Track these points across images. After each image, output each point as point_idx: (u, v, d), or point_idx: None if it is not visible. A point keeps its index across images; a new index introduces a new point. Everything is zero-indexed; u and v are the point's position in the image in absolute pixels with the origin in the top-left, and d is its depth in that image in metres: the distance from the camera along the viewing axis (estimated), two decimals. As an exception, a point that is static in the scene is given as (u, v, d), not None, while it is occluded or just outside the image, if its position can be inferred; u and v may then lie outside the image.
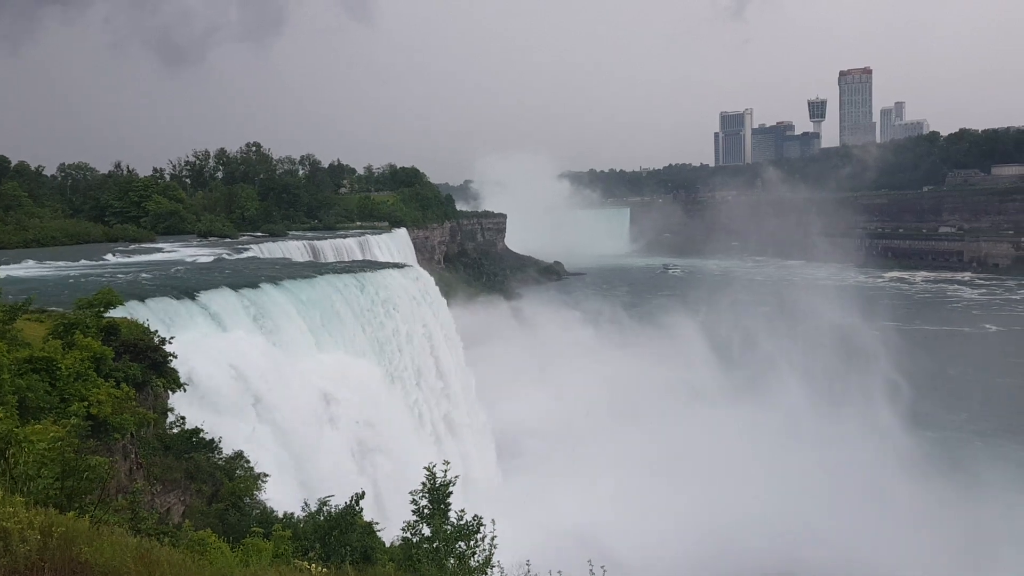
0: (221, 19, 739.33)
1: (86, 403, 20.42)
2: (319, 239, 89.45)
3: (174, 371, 27.71)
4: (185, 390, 28.52)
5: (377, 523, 22.19)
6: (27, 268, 54.96)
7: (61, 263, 58.41)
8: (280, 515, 23.15)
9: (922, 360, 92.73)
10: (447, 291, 76.52)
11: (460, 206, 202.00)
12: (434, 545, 15.68)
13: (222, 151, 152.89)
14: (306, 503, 21.99)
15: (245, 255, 69.91)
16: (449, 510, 16.14)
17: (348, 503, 20.37)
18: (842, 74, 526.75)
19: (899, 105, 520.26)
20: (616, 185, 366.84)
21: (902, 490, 56.93)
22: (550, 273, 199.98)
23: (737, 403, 76.10)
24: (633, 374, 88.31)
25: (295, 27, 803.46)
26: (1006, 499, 54.10)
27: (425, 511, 16.22)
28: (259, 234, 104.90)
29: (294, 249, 78.30)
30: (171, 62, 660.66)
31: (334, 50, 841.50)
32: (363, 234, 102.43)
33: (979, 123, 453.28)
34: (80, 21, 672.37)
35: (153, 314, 32.94)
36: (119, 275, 48.66)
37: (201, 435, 27.39)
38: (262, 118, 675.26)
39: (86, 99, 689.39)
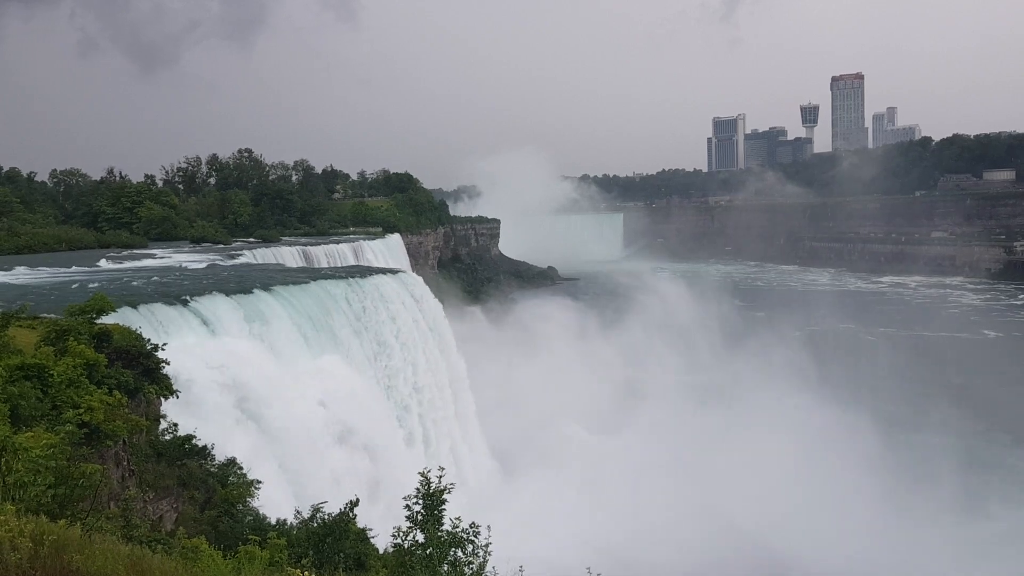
0: (199, 15, 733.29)
1: (79, 410, 20.34)
2: (312, 245, 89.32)
3: (166, 377, 27.61)
4: (178, 396, 28.42)
5: (371, 529, 22.16)
6: (19, 275, 54.73)
7: (53, 269, 58.18)
8: (273, 522, 23.08)
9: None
10: (441, 296, 76.31)
11: (453, 211, 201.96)
12: (427, 552, 15.64)
13: (214, 157, 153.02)
14: (298, 511, 21.94)
15: (238, 261, 69.78)
16: (444, 516, 16.09)
17: (342, 510, 20.35)
18: (834, 79, 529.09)
19: (891, 110, 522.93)
20: (610, 190, 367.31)
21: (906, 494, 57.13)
22: (544, 278, 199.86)
23: (736, 408, 76.20)
24: (632, 378, 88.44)
25: (275, 27, 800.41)
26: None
27: (419, 516, 16.17)
28: (252, 240, 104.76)
29: (287, 255, 78.19)
30: (148, 61, 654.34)
31: (319, 52, 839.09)
32: (357, 240, 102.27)
33: (971, 128, 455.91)
34: (45, 17, 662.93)
35: (145, 320, 32.85)
36: (111, 281, 48.49)
37: (193, 442, 27.30)
38: (251, 122, 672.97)
39: (66, 103, 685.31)
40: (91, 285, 45.36)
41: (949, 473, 57.99)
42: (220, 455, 27.94)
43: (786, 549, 49.88)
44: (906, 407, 75.79)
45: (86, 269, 59.99)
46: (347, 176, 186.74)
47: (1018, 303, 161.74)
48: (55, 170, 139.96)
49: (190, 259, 69.30)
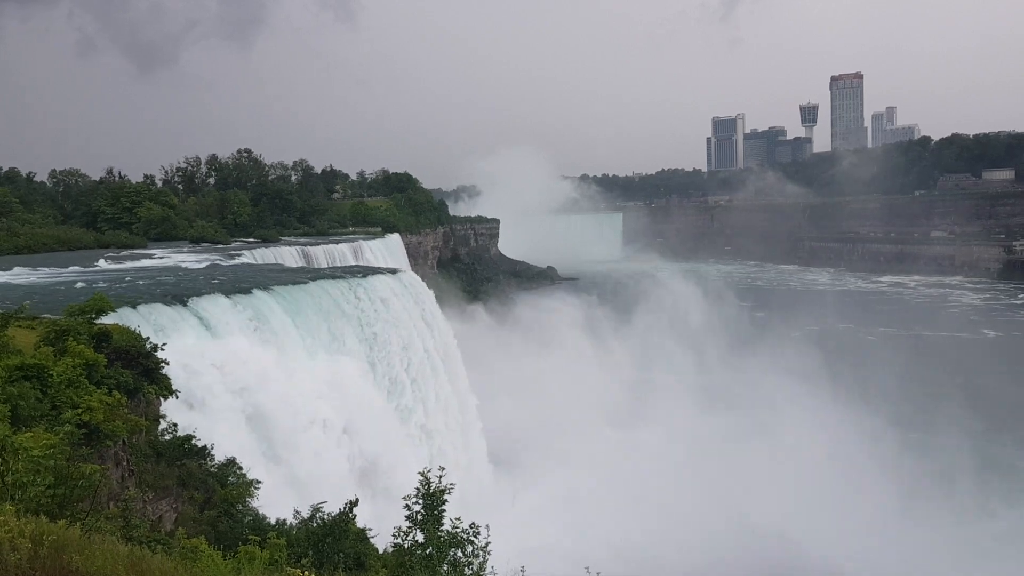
0: (197, 15, 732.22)
1: (78, 410, 20.33)
2: (312, 244, 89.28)
3: (166, 378, 27.60)
4: (177, 397, 28.41)
5: (370, 529, 22.14)
6: (17, 275, 54.65)
7: (52, 270, 58.09)
8: (272, 522, 23.07)
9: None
10: (441, 296, 76.26)
11: (452, 211, 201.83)
12: (427, 551, 15.62)
13: (214, 157, 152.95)
14: (297, 511, 21.92)
15: (238, 261, 69.69)
16: (443, 516, 16.07)
17: (341, 510, 20.34)
18: (833, 79, 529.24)
19: (890, 110, 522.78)
20: (609, 190, 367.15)
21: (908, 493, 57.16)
22: (543, 278, 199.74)
23: (728, 408, 76.20)
24: (632, 379, 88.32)
25: (274, 27, 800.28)
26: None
27: (418, 516, 16.15)
28: (252, 240, 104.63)
29: (287, 255, 78.11)
30: (146, 61, 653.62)
31: (318, 52, 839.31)
32: (356, 239, 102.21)
33: (970, 128, 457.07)
34: (43, 17, 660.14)
35: (145, 320, 32.81)
36: (110, 281, 48.44)
37: (193, 442, 27.29)
38: (250, 122, 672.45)
39: (65, 103, 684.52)
40: (96, 285, 45.30)
41: (952, 472, 58.07)
42: (219, 455, 27.93)
43: (792, 547, 49.87)
44: (908, 406, 75.73)
45: (85, 269, 59.89)
46: (346, 176, 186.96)
47: (1018, 303, 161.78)
48: (54, 170, 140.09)
49: (189, 259, 69.22)
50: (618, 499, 58.07)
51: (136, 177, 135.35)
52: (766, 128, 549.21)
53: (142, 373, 26.61)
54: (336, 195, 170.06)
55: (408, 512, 16.15)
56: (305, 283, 49.30)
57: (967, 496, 55.65)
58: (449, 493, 16.22)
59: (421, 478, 16.29)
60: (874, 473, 59.75)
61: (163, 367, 27.45)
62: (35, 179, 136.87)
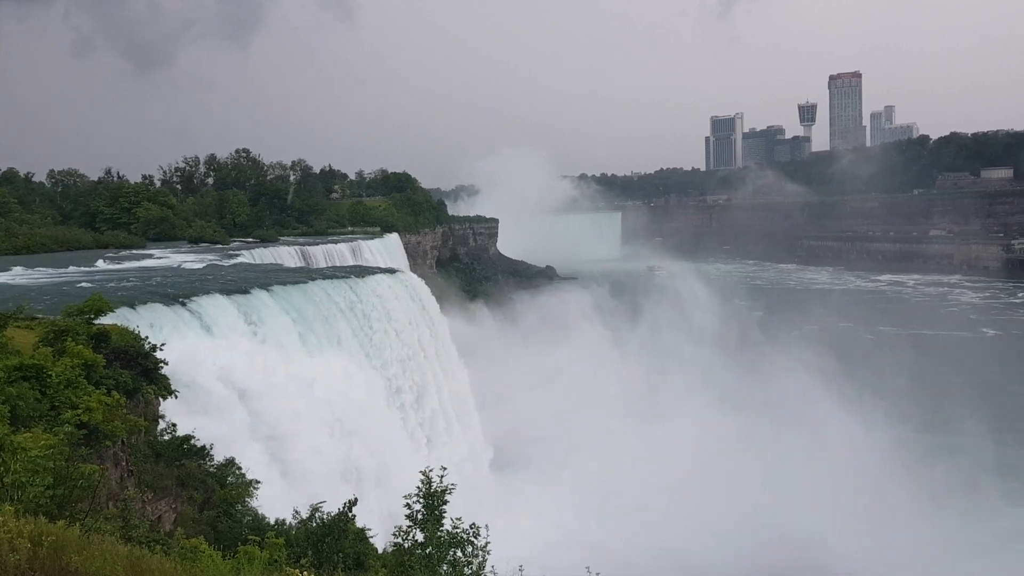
0: (195, 14, 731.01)
1: (77, 411, 20.30)
2: (310, 244, 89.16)
3: (165, 378, 27.58)
4: (176, 397, 28.38)
5: (369, 529, 22.13)
6: (16, 275, 54.56)
7: (50, 270, 57.99)
8: (272, 522, 23.05)
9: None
10: (440, 296, 76.26)
11: (451, 211, 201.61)
12: (427, 551, 15.59)
13: (212, 157, 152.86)
14: (296, 511, 21.89)
15: (236, 261, 69.58)
16: (444, 516, 16.04)
17: (341, 510, 20.32)
18: (832, 78, 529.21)
19: (889, 109, 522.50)
20: (608, 190, 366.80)
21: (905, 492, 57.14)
22: (542, 277, 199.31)
23: (734, 406, 76.13)
24: (634, 377, 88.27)
25: (272, 26, 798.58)
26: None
27: (419, 515, 16.12)
28: (250, 240, 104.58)
29: (285, 255, 77.98)
30: (144, 60, 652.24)
31: (316, 52, 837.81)
32: (355, 239, 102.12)
33: (968, 126, 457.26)
34: (40, 17, 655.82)
35: (144, 320, 32.76)
36: (109, 281, 48.34)
37: (192, 442, 27.28)
38: (248, 122, 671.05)
39: (63, 103, 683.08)
40: (106, 285, 45.14)
41: (959, 472, 58.02)
42: (219, 455, 27.92)
43: (799, 546, 49.81)
44: (910, 404, 75.63)
45: (84, 269, 59.79)
46: (345, 176, 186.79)
47: (1016, 301, 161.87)
48: (52, 170, 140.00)
49: (189, 259, 69.13)
50: (625, 497, 58.06)
51: (134, 177, 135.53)
52: (764, 127, 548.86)
53: (141, 373, 26.59)
54: (335, 195, 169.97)
55: (408, 511, 16.12)
56: (304, 283, 49.21)
57: (965, 497, 55.63)
58: (450, 493, 16.18)
59: (423, 477, 16.25)
60: (878, 470, 59.77)
61: (162, 367, 27.42)
62: (33, 179, 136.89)
